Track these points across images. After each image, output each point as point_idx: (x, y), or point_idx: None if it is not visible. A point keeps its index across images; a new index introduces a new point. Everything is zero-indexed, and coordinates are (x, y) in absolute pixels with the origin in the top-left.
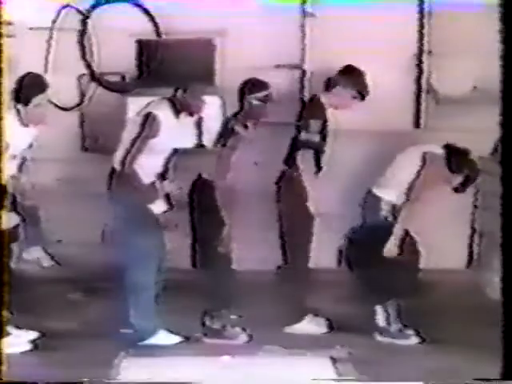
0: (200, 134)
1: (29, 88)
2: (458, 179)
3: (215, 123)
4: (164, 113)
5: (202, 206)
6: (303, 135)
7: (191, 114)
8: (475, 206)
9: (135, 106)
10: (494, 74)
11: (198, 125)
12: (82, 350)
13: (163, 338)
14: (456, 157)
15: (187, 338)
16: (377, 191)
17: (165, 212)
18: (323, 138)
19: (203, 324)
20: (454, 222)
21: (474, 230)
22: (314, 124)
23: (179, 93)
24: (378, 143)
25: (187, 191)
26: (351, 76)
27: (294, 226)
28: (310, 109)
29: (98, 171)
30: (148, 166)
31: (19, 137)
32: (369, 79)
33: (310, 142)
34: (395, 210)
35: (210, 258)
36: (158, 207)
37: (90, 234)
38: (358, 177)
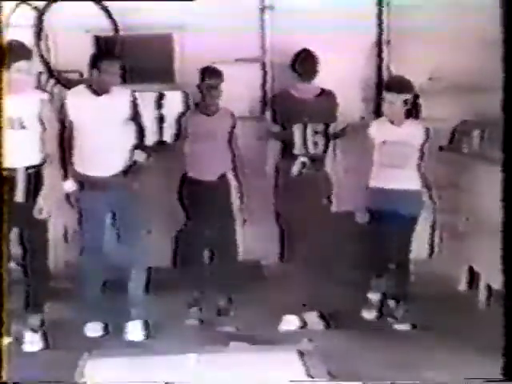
0: (161, 130)
1: (11, 53)
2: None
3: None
4: (77, 95)
5: None
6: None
7: (106, 91)
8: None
9: None
10: (450, 65)
11: (160, 121)
12: (45, 351)
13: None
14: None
15: None
16: (409, 186)
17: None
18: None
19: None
20: None
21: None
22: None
23: (94, 72)
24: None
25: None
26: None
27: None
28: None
29: None
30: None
31: None
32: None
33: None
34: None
35: None
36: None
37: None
38: None
